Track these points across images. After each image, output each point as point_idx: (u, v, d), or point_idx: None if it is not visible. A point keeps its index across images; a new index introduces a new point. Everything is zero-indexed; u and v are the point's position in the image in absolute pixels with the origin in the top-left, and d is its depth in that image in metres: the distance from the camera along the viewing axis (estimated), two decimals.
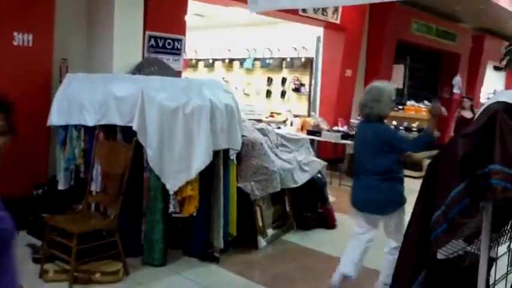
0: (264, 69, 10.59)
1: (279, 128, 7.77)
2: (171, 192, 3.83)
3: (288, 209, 5.17)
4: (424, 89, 13.29)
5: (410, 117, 9.18)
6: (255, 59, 10.70)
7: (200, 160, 3.81)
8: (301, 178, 5.09)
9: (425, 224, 1.71)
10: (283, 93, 10.30)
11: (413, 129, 8.98)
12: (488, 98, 10.83)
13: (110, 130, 3.97)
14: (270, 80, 10.51)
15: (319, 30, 9.23)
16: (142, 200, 3.93)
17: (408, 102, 9.42)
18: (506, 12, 11.44)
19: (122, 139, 3.92)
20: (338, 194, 6.72)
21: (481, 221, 1.70)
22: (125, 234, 3.75)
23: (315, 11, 8.03)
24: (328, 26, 8.82)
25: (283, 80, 10.28)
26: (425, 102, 9.50)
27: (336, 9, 8.46)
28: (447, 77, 13.65)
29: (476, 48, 14.23)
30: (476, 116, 6.65)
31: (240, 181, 4.51)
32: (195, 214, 3.94)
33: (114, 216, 3.58)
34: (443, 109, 3.52)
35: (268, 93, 10.54)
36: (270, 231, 4.80)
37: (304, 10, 7.78)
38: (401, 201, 3.41)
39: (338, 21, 8.60)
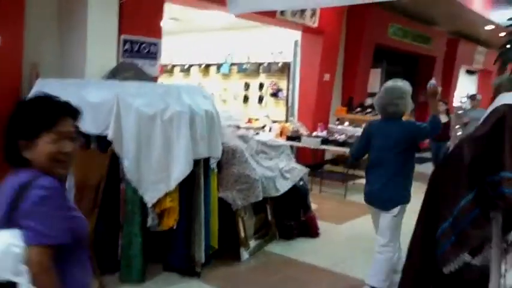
0: (241, 74, 10.44)
1: (257, 134, 7.61)
2: (149, 205, 3.63)
3: (270, 218, 5.01)
4: None
5: None
6: (232, 64, 10.53)
7: (180, 170, 3.63)
8: (283, 186, 4.94)
9: (429, 237, 1.57)
10: (260, 99, 10.16)
11: None
12: (461, 102, 10.84)
13: (83, 139, 3.75)
14: (247, 85, 10.36)
15: (297, 34, 9.14)
16: (119, 212, 3.72)
17: None
18: (479, 17, 11.60)
19: (96, 148, 3.70)
20: (319, 201, 6.62)
21: (490, 232, 1.59)
22: (100, 250, 3.52)
23: (293, 14, 7.92)
24: (306, 29, 8.74)
25: (261, 85, 10.14)
26: None
27: (313, 13, 8.38)
28: (423, 80, 13.73)
29: (451, 52, 14.42)
30: (451, 121, 6.51)
31: (220, 190, 4.33)
32: (175, 227, 3.75)
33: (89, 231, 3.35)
34: (439, 88, 3.72)
35: (246, 99, 10.39)
36: (252, 242, 4.63)
37: (282, 13, 7.66)
38: (407, 198, 3.62)
39: (316, 25, 8.52)
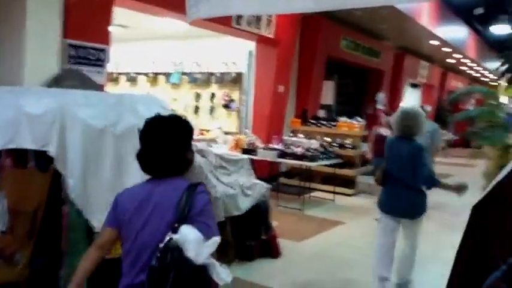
0: (191, 84, 10.04)
1: (210, 146, 7.25)
2: (97, 230, 3.18)
3: (229, 238, 4.65)
4: (350, 104, 13.45)
5: (343, 134, 9.05)
6: (182, 74, 10.13)
7: None
8: (245, 204, 4.62)
9: (472, 277, 1.30)
10: (212, 110, 9.82)
11: (347, 145, 8.86)
12: None
13: (20, 156, 3.24)
14: (198, 96, 9.99)
15: (251, 45, 8.89)
16: (60, 240, 3.23)
17: (341, 119, 9.29)
18: (425, 32, 11.86)
19: (35, 167, 3.21)
20: (278, 217, 6.31)
21: None
22: (39, 284, 3.04)
23: (249, 23, 7.66)
24: (261, 40, 8.50)
25: (212, 96, 9.80)
26: (358, 118, 9.43)
27: (269, 23, 8.16)
28: (372, 93, 13.93)
29: (397, 65, 14.73)
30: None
31: None
32: None
33: (24, 264, 2.87)
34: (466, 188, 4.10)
35: (196, 110, 10.01)
36: None
37: (237, 22, 7.38)
38: (425, 209, 4.10)
39: (272, 35, 8.31)
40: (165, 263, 1.77)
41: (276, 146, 7.77)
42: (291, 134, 9.18)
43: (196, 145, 5.11)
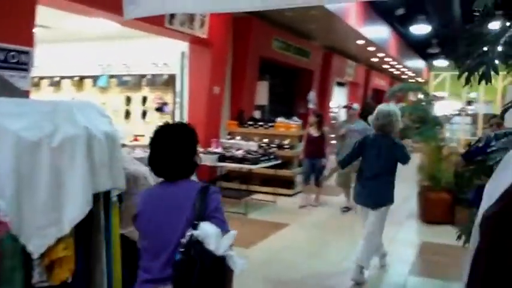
0: (121, 88, 9.57)
1: (146, 152, 6.89)
2: (34, 256, 2.81)
3: None
4: (282, 104, 13.51)
5: (280, 134, 9.02)
6: (110, 76, 9.62)
7: (75, 208, 2.87)
8: None
9: None
10: (144, 114, 9.41)
11: (285, 146, 8.83)
12: (334, 112, 11.04)
13: None
14: (128, 99, 9.53)
15: (183, 45, 8.60)
16: None
17: (278, 119, 9.25)
18: (352, 32, 12.17)
19: None
20: None
21: None
22: None
23: (182, 23, 7.38)
24: (194, 40, 8.24)
25: (144, 99, 9.40)
26: (295, 118, 9.44)
27: (203, 23, 7.92)
28: (303, 92, 14.08)
29: (326, 65, 15.02)
30: (324, 134, 6.59)
31: (122, 226, 3.61)
32: (69, 280, 2.96)
33: None
34: None
35: (127, 114, 9.55)
36: None
37: (171, 23, 7.08)
38: (392, 199, 4.71)
39: (205, 36, 8.07)
40: (189, 257, 1.97)
41: (215, 150, 7.55)
42: (229, 137, 9.00)
43: (135, 153, 4.79)
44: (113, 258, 3.33)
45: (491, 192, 1.45)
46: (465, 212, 6.51)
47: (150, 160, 2.37)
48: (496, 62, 2.00)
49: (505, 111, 2.49)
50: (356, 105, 8.16)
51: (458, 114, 8.66)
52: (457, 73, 7.32)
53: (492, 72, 2.04)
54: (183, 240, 2.02)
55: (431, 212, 6.72)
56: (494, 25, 2.36)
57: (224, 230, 2.07)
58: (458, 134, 9.68)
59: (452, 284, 4.61)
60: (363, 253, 4.58)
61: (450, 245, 5.88)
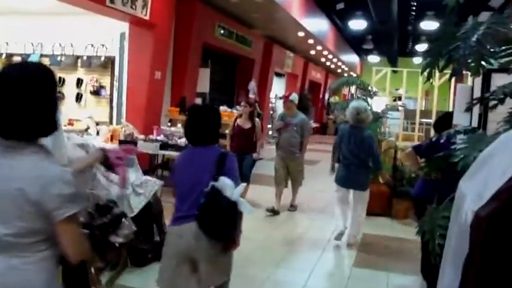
0: (54, 68, 8.82)
1: (83, 138, 6.51)
2: None
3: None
4: (222, 93, 13.36)
5: (223, 123, 8.86)
6: (42, 56, 8.99)
7: None
8: (137, 204, 4.16)
9: None
10: (79, 97, 8.89)
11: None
12: (272, 103, 10.69)
13: None
14: (62, 81, 8.96)
15: (123, 26, 8.19)
16: None
17: (221, 107, 9.09)
18: (294, 22, 12.22)
19: None
20: (168, 214, 5.91)
21: None
22: None
23: (124, 3, 7.01)
24: (135, 21, 7.87)
25: (79, 81, 8.87)
26: (237, 107, 9.33)
27: (145, 4, 7.58)
28: (243, 81, 14.01)
29: (266, 55, 15.01)
30: (256, 125, 6.60)
31: None
32: None
33: None
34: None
35: (60, 96, 8.98)
36: (104, 277, 3.75)
37: (112, 1, 6.70)
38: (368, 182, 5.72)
39: (147, 17, 7.73)
40: (211, 200, 2.69)
41: (158, 138, 7.28)
42: (169, 124, 8.73)
43: (74, 138, 4.49)
44: None
45: (479, 191, 1.43)
46: (403, 204, 6.75)
47: (186, 131, 3.02)
48: (469, 60, 1.99)
49: (468, 108, 2.53)
50: (295, 96, 7.24)
51: (396, 110, 8.94)
52: (395, 69, 7.62)
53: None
54: (207, 189, 2.70)
55: (371, 204, 6.88)
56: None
57: (236, 183, 2.76)
58: (394, 129, 10.03)
59: (395, 274, 4.74)
60: (351, 228, 5.66)
61: (389, 237, 6.10)
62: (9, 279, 1.64)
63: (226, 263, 2.92)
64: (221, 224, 2.72)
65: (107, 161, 2.35)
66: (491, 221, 1.23)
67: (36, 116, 1.69)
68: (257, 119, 7.32)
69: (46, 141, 2.82)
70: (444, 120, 4.02)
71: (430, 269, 4.13)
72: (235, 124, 7.07)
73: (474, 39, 2.03)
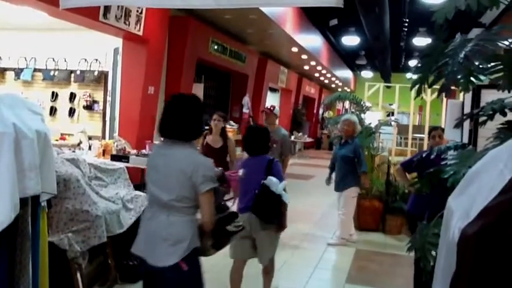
0: (47, 82, 8.95)
1: (73, 152, 6.46)
2: None
3: (110, 260, 4.10)
4: (217, 108, 13.34)
5: None
6: (35, 70, 8.99)
7: (0, 215, 2.57)
8: (127, 220, 4.11)
9: None
10: (72, 111, 8.87)
11: None
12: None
13: None
14: (55, 95, 8.94)
15: (117, 42, 8.20)
16: None
17: None
18: (288, 38, 12.29)
19: None
20: None
21: None
22: None
23: (117, 19, 7.02)
24: (129, 37, 7.88)
25: (72, 96, 8.86)
26: (231, 122, 9.33)
27: (138, 19, 7.60)
28: (237, 96, 14.03)
29: (260, 70, 15.07)
30: (229, 144, 6.08)
31: (51, 233, 3.32)
32: None
33: None
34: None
35: (53, 111, 8.96)
36: None
37: (105, 17, 6.71)
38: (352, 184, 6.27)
39: (141, 33, 7.75)
40: (262, 194, 3.70)
41: (150, 152, 7.23)
42: (162, 139, 8.69)
43: (64, 153, 4.47)
44: (39, 268, 3.04)
45: (467, 207, 1.42)
46: (396, 220, 6.73)
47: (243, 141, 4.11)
48: (458, 76, 2.00)
49: (458, 125, 2.53)
50: (277, 109, 6.36)
51: (389, 124, 8.97)
52: (389, 84, 7.75)
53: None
54: (256, 190, 3.72)
55: (364, 219, 6.87)
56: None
57: (281, 181, 3.77)
58: (387, 144, 10.04)
59: None
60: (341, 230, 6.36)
61: (383, 253, 6.07)
62: (170, 231, 2.60)
63: (274, 242, 3.99)
64: (269, 211, 3.72)
65: (224, 176, 3.23)
66: (478, 239, 1.21)
67: (192, 126, 2.69)
68: (230, 136, 6.31)
69: (35, 157, 2.80)
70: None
71: (421, 287, 4.11)
72: (204, 142, 5.84)
73: (462, 55, 2.04)
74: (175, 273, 2.57)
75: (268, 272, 4.07)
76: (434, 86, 2.46)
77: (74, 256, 3.37)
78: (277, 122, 6.53)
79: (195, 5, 3.55)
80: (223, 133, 6.00)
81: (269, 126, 5.56)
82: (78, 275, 3.47)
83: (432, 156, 2.51)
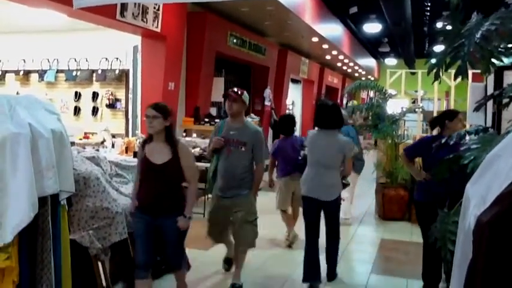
0: (70, 83, 9.10)
1: (97, 151, 6.54)
2: None
3: (132, 255, 4.13)
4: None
5: None
6: (58, 71, 9.14)
7: (19, 215, 2.60)
8: None
9: None
10: (95, 110, 8.99)
11: None
12: (289, 109, 10.75)
13: None
14: (78, 95, 9.08)
15: (136, 39, 8.25)
16: None
17: None
18: (307, 29, 12.15)
19: None
20: None
21: None
22: None
23: (134, 16, 7.06)
24: (147, 34, 7.92)
25: (95, 95, 8.98)
26: (252, 115, 9.30)
27: (156, 16, 7.62)
28: (258, 89, 13.98)
29: (281, 62, 14.96)
30: (182, 156, 4.19)
31: (72, 231, 3.36)
32: None
33: None
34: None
35: (77, 110, 9.10)
36: None
37: (122, 15, 6.75)
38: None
39: (159, 30, 7.77)
40: (304, 160, 4.73)
41: None
42: (184, 134, 8.74)
43: (85, 151, 4.51)
44: (61, 267, 3.07)
45: (482, 195, 1.35)
46: None
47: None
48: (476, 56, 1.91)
49: (477, 108, 2.43)
50: (246, 95, 4.49)
51: (413, 111, 8.79)
52: (410, 70, 7.50)
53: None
54: (301, 154, 5.30)
55: (389, 208, 6.76)
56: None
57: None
58: (413, 131, 9.85)
59: (413, 281, 4.61)
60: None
61: (408, 242, 5.95)
62: (329, 182, 4.34)
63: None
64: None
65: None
66: (493, 227, 1.15)
67: (339, 120, 4.46)
68: (181, 142, 3.87)
69: (51, 156, 2.82)
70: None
71: (430, 274, 4.06)
72: (143, 155, 3.62)
73: (478, 35, 1.95)
74: (335, 202, 4.41)
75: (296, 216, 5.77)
76: None
77: (96, 253, 3.40)
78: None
79: None
80: (168, 137, 3.60)
81: (232, 120, 4.38)
82: (101, 270, 3.51)
83: (451, 142, 2.42)
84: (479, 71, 2.51)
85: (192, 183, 3.63)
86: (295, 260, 5.09)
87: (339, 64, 20.24)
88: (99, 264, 3.51)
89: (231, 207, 4.33)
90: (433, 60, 2.34)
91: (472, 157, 2.09)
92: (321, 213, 4.41)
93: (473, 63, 1.98)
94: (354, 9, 14.52)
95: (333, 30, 15.13)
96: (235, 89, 4.54)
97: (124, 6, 6.70)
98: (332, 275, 4.63)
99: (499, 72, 2.80)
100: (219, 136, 4.42)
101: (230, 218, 4.39)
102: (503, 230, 1.13)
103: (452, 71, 2.21)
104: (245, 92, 4.51)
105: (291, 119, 5.91)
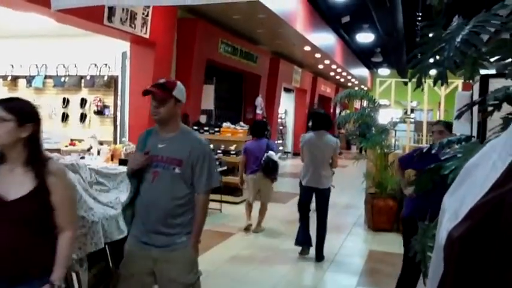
0: (58, 89, 8.99)
1: (82, 158, 6.42)
2: None
3: (111, 266, 4.01)
4: (229, 109, 13.28)
5: (227, 140, 8.77)
6: (47, 77, 9.03)
7: None
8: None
9: None
10: (83, 117, 8.88)
11: (232, 152, 8.59)
12: (281, 118, 10.83)
13: None
14: (66, 101, 8.97)
15: (124, 45, 8.18)
16: None
17: (224, 124, 8.99)
18: (299, 37, 12.13)
19: None
20: None
21: None
22: None
23: (122, 22, 6.99)
24: (136, 40, 7.85)
25: (83, 101, 8.87)
26: (241, 123, 9.22)
27: (144, 22, 7.55)
28: (250, 97, 13.93)
29: (273, 70, 14.94)
30: (51, 187, 4.47)
31: None
32: None
33: None
34: None
35: (65, 117, 8.98)
36: None
37: (110, 20, 6.67)
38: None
39: (147, 36, 7.70)
40: (266, 161, 6.55)
41: None
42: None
43: (65, 159, 4.39)
44: None
45: (456, 208, 1.26)
46: None
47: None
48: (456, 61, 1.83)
49: (458, 116, 2.36)
50: (181, 87, 3.26)
51: (402, 122, 8.74)
52: (402, 80, 7.39)
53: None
54: (264, 156, 6.57)
55: (378, 219, 6.68)
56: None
57: (276, 153, 6.67)
58: (403, 141, 9.79)
59: None
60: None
61: (397, 254, 5.84)
62: (324, 173, 5.56)
63: (270, 189, 6.93)
64: (272, 170, 6.55)
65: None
66: (464, 243, 1.06)
67: (328, 123, 5.71)
68: (56, 164, 2.40)
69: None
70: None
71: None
72: None
73: (459, 39, 1.88)
74: (328, 190, 5.52)
75: (263, 212, 6.89)
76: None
77: (70, 264, 3.27)
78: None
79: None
80: (32, 158, 2.21)
81: (161, 128, 3.05)
82: (76, 283, 3.38)
83: (433, 151, 2.34)
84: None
85: (66, 232, 2.29)
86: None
87: (332, 73, 20.25)
88: (73, 275, 3.38)
89: (157, 262, 2.87)
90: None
91: (453, 167, 2.01)
92: (312, 197, 5.59)
93: (453, 69, 1.90)
94: (346, 19, 14.55)
95: (325, 39, 15.13)
96: (162, 81, 3.07)
97: (112, 11, 6.63)
98: (320, 256, 5.45)
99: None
100: (140, 152, 3.00)
101: (153, 278, 2.92)
102: (473, 246, 1.04)
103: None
104: (178, 84, 3.05)
105: (262, 124, 7.33)
